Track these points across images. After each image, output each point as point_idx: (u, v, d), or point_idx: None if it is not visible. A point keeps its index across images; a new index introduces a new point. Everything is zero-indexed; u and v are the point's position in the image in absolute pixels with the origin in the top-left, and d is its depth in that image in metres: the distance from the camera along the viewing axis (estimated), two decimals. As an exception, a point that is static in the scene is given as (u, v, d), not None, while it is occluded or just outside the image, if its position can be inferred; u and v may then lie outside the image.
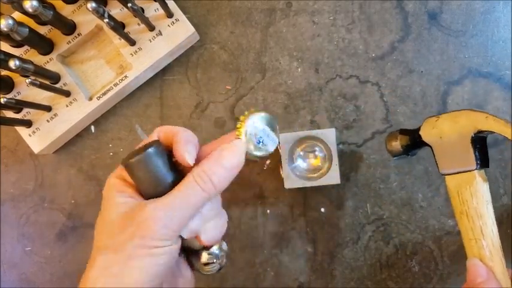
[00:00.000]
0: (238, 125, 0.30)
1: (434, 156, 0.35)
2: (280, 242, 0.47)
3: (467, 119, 0.33)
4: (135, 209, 0.26)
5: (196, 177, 0.27)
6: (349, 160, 0.46)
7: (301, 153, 0.44)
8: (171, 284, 0.29)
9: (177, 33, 0.45)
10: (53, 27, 0.45)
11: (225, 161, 0.28)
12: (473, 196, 0.33)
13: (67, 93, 0.45)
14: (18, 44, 0.45)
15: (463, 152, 0.33)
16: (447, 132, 0.34)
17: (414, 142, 0.37)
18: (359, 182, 0.46)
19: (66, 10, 0.45)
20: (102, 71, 0.47)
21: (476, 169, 0.33)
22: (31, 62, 0.40)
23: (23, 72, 0.39)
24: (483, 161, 0.33)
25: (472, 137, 0.33)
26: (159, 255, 0.26)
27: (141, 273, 0.25)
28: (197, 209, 0.27)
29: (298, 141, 0.43)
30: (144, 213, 0.26)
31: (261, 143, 0.31)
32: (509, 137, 0.31)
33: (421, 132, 0.36)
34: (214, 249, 0.31)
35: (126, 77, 0.45)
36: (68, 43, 0.45)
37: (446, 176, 0.34)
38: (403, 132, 0.38)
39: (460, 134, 0.33)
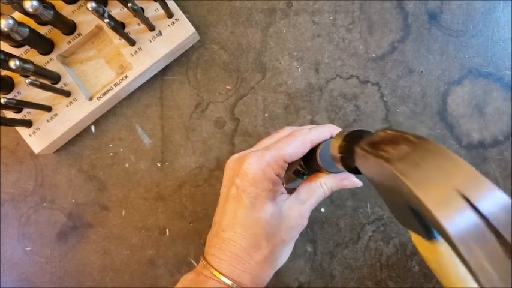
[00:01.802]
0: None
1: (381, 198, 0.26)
2: (280, 242, 0.47)
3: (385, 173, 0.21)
4: (292, 208, 0.34)
5: (324, 187, 0.36)
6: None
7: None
8: None
9: (177, 33, 0.45)
10: (53, 27, 0.45)
11: (342, 187, 0.37)
12: (441, 268, 0.23)
13: (67, 93, 0.45)
14: (18, 44, 0.45)
15: (406, 215, 0.22)
16: (379, 182, 0.23)
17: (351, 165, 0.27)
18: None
19: (66, 10, 0.45)
20: (102, 71, 0.47)
21: (434, 239, 0.22)
22: (31, 62, 0.40)
23: (23, 72, 0.39)
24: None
25: (411, 208, 0.21)
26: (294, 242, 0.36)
27: (289, 251, 0.36)
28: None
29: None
30: (301, 214, 0.34)
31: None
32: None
33: (356, 163, 0.26)
34: None
35: (126, 77, 0.45)
36: (68, 43, 0.45)
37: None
38: (348, 138, 0.27)
39: (395, 193, 0.21)
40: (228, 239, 0.34)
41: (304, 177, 0.42)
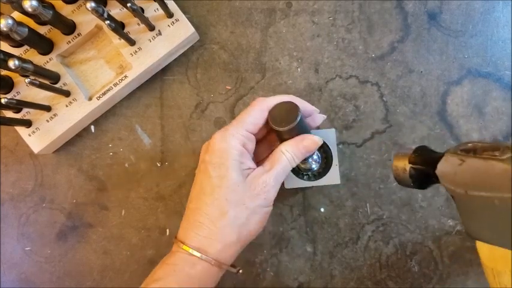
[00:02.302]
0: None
1: (456, 206, 0.26)
2: (279, 242, 0.47)
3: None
4: (256, 177, 0.35)
5: (286, 154, 0.36)
6: (349, 160, 0.46)
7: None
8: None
9: (177, 33, 0.45)
10: (52, 27, 0.45)
11: (306, 150, 0.37)
12: None
13: (67, 93, 0.45)
14: (17, 44, 0.45)
15: (500, 224, 0.22)
16: (476, 189, 0.23)
17: (428, 178, 0.27)
18: (359, 182, 0.46)
19: (65, 10, 0.45)
20: (102, 71, 0.47)
21: None
22: (31, 62, 0.40)
23: (23, 72, 0.39)
24: None
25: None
26: (268, 212, 0.37)
27: (257, 222, 0.36)
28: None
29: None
30: (264, 182, 0.35)
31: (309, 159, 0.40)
32: None
33: (437, 173, 0.26)
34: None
35: (126, 77, 0.45)
36: (67, 43, 0.45)
37: (476, 241, 0.25)
38: (416, 158, 0.27)
39: (496, 202, 0.21)
40: (194, 207, 0.35)
41: (305, 177, 0.42)
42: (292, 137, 0.36)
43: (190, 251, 0.34)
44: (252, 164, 0.36)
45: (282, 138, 0.37)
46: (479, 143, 0.24)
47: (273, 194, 0.36)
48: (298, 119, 0.35)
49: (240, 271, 0.38)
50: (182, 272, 0.34)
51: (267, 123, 0.36)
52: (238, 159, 0.35)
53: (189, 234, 0.35)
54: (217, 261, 0.34)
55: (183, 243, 0.34)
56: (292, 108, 0.35)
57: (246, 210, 0.35)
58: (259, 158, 0.40)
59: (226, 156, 0.35)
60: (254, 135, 0.37)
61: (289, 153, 0.36)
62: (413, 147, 0.29)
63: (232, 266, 0.37)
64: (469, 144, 0.25)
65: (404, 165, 0.28)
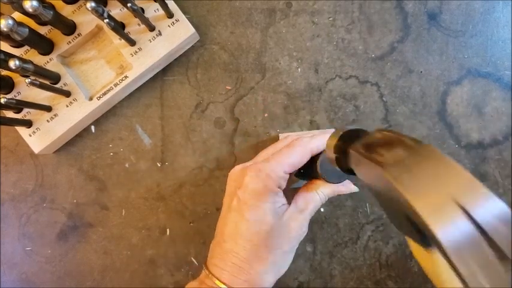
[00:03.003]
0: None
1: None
2: (280, 242, 0.47)
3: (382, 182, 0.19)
4: (292, 219, 0.35)
5: (321, 195, 0.36)
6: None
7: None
8: None
9: (177, 33, 0.45)
10: (53, 28, 0.45)
11: (339, 193, 0.38)
12: (437, 277, 0.23)
13: (67, 93, 0.45)
14: (18, 44, 0.45)
15: (402, 222, 0.21)
16: (374, 187, 0.22)
17: (345, 165, 0.25)
18: (358, 182, 0.46)
19: (66, 10, 0.45)
20: (102, 71, 0.47)
21: (430, 248, 0.21)
22: (31, 62, 0.40)
23: (23, 72, 0.39)
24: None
25: (406, 215, 0.20)
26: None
27: (289, 262, 0.36)
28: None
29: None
30: (301, 225, 0.35)
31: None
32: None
33: (351, 164, 0.24)
34: None
35: (126, 77, 0.45)
36: (68, 43, 0.45)
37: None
38: (339, 147, 0.25)
39: (390, 199, 0.20)
40: (230, 249, 0.35)
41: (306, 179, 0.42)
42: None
43: None
44: (284, 200, 0.36)
45: (318, 178, 0.36)
46: (385, 133, 0.22)
47: (305, 233, 0.36)
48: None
49: None
50: None
51: (311, 166, 0.36)
52: (274, 200, 0.34)
53: (229, 277, 0.34)
54: None
55: (225, 284, 0.34)
56: None
57: (283, 253, 0.35)
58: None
59: (262, 199, 0.34)
60: None
61: (324, 194, 0.36)
62: (343, 130, 0.26)
63: None
64: (377, 135, 0.23)
65: (331, 154, 0.26)
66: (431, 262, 0.22)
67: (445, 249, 0.16)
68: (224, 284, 0.34)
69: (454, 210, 0.16)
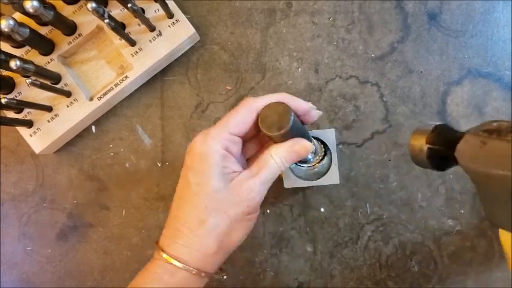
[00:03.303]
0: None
1: (478, 192, 0.24)
2: (279, 242, 0.47)
3: None
4: (240, 182, 0.33)
5: (276, 158, 0.34)
6: (349, 160, 0.46)
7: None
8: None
9: (178, 33, 0.45)
10: (53, 28, 0.45)
11: (297, 155, 0.35)
12: None
13: (68, 94, 0.45)
14: (19, 45, 0.45)
15: None
16: (497, 175, 0.21)
17: (447, 159, 0.26)
18: (359, 182, 0.46)
19: (66, 11, 0.45)
20: (103, 72, 0.47)
21: None
22: (32, 63, 0.40)
23: (24, 72, 0.39)
24: None
25: None
26: (253, 219, 0.35)
27: (240, 230, 0.34)
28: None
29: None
30: (249, 188, 0.33)
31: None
32: None
33: (456, 155, 0.24)
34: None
35: (126, 77, 0.46)
36: (68, 44, 0.45)
37: (499, 229, 0.24)
38: (434, 138, 0.26)
39: None
40: (174, 215, 0.34)
41: (304, 168, 0.42)
42: (285, 140, 0.34)
43: (170, 260, 0.32)
44: (237, 167, 0.34)
45: (273, 140, 0.35)
46: (505, 122, 0.22)
47: (258, 200, 0.33)
48: (291, 123, 0.32)
49: (224, 277, 0.36)
50: (161, 280, 0.33)
51: (256, 125, 0.34)
52: (220, 164, 0.33)
53: (169, 242, 0.33)
54: (197, 270, 0.33)
55: (163, 251, 0.33)
56: (284, 110, 0.32)
57: (228, 218, 0.33)
58: (249, 155, 0.38)
59: (206, 161, 0.32)
60: (241, 137, 0.34)
61: (278, 157, 0.34)
62: (433, 124, 0.27)
63: (220, 269, 0.36)
64: (494, 124, 0.23)
65: (421, 144, 0.26)
66: None
67: None
68: (162, 250, 0.33)
69: None
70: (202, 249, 0.33)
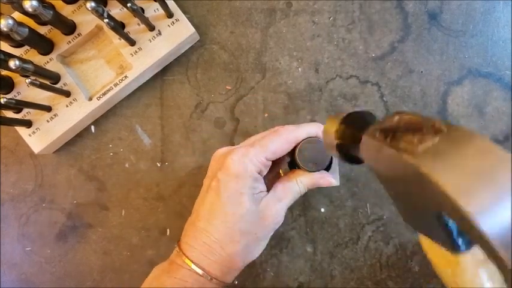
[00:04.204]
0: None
1: (387, 192, 0.22)
2: (279, 242, 0.47)
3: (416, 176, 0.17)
4: (269, 206, 0.35)
5: (300, 186, 0.36)
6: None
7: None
8: None
9: (177, 33, 0.45)
10: (53, 27, 0.45)
11: (318, 186, 0.37)
12: (460, 281, 0.20)
13: (67, 93, 0.45)
14: (18, 44, 0.45)
15: (426, 220, 0.19)
16: (394, 182, 0.20)
17: (358, 157, 0.23)
18: (359, 182, 0.46)
19: (66, 10, 0.45)
20: (102, 71, 0.47)
21: (458, 251, 0.19)
22: (31, 62, 0.40)
23: (23, 72, 0.39)
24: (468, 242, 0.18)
25: (436, 214, 0.18)
26: (271, 235, 0.37)
27: (261, 248, 0.36)
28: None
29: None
30: (277, 213, 0.35)
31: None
32: None
33: (362, 152, 0.22)
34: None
35: (126, 77, 0.45)
36: (68, 43, 0.45)
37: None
38: (344, 132, 0.23)
39: (413, 195, 0.18)
40: (203, 229, 0.35)
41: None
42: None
43: (201, 272, 0.34)
44: (263, 187, 0.36)
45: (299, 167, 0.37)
46: (406, 116, 0.19)
47: (281, 222, 0.36)
48: (327, 163, 0.34)
49: (236, 282, 0.38)
50: None
51: (291, 154, 0.36)
52: (253, 185, 0.34)
53: (199, 256, 0.34)
54: (223, 283, 0.35)
55: (193, 263, 0.34)
56: (323, 149, 0.34)
57: (256, 239, 0.35)
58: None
59: (242, 183, 0.34)
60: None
61: (303, 185, 0.36)
62: (342, 114, 0.24)
63: None
64: (395, 118, 0.20)
65: (331, 141, 0.24)
66: (454, 265, 0.19)
67: (498, 248, 0.14)
68: (193, 262, 0.34)
69: (506, 203, 0.14)
70: (230, 266, 0.35)
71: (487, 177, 0.15)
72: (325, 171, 0.37)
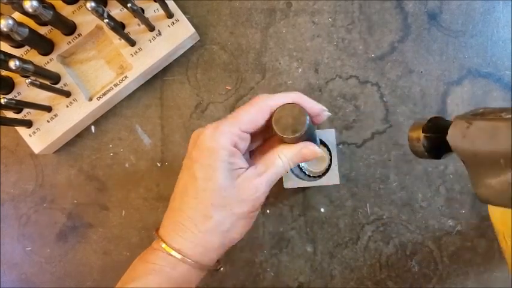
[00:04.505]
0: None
1: (468, 171, 0.26)
2: (279, 242, 0.47)
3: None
4: (247, 180, 0.33)
5: (283, 159, 0.34)
6: (349, 160, 0.46)
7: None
8: None
9: (177, 33, 0.45)
10: (53, 28, 0.45)
11: (304, 158, 0.35)
12: None
13: (67, 94, 0.45)
14: (18, 45, 0.45)
15: (507, 188, 0.22)
16: (482, 151, 0.24)
17: (442, 146, 0.28)
18: (359, 182, 0.46)
19: (66, 10, 0.45)
20: (102, 72, 0.47)
21: None
22: (31, 63, 0.40)
23: (23, 72, 0.39)
24: None
25: None
26: (255, 216, 0.35)
27: (242, 227, 0.34)
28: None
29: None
30: (255, 187, 0.33)
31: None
32: None
33: (448, 139, 0.26)
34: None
35: (126, 77, 0.45)
36: (68, 43, 0.45)
37: (488, 205, 0.26)
38: (429, 128, 0.29)
39: (502, 161, 0.22)
40: (177, 208, 0.34)
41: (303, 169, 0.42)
42: (295, 143, 0.34)
43: (172, 252, 0.33)
44: (243, 163, 0.34)
45: (283, 140, 0.35)
46: (489, 108, 0.25)
47: (262, 199, 0.34)
48: (306, 127, 0.32)
49: (221, 269, 0.37)
50: (162, 272, 0.33)
51: (268, 123, 0.34)
52: (227, 160, 0.32)
53: (171, 235, 0.33)
54: (198, 264, 0.33)
55: (165, 243, 0.33)
56: (300, 113, 0.32)
57: (232, 215, 0.33)
58: (252, 148, 0.38)
59: (214, 157, 0.32)
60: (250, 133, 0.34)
61: (286, 158, 0.34)
62: (428, 117, 0.30)
63: (217, 261, 0.36)
64: (480, 109, 0.26)
65: (418, 134, 0.29)
66: None
67: None
68: (164, 242, 0.33)
69: None
70: (206, 244, 0.33)
71: None
72: (308, 142, 0.35)
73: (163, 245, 0.33)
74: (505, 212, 0.24)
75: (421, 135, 0.29)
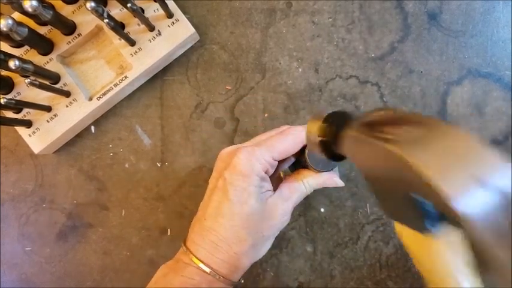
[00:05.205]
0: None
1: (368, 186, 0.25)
2: (279, 242, 0.47)
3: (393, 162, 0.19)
4: (275, 205, 0.35)
5: (307, 186, 0.37)
6: (349, 160, 0.46)
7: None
8: None
9: (177, 33, 0.45)
10: (52, 28, 0.45)
11: (324, 186, 0.37)
12: (432, 265, 0.21)
13: (67, 94, 0.45)
14: (18, 44, 0.45)
15: (399, 205, 0.20)
16: (372, 171, 0.22)
17: (334, 150, 0.25)
18: (359, 182, 0.46)
19: (66, 10, 0.45)
20: (102, 71, 0.47)
21: (430, 232, 0.19)
22: (31, 62, 0.40)
23: (23, 72, 0.39)
24: (437, 218, 0.19)
25: (410, 196, 0.19)
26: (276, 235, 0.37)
27: (266, 248, 0.37)
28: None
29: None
30: (283, 212, 0.35)
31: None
32: None
33: (343, 147, 0.24)
34: None
35: (126, 77, 0.45)
36: (67, 43, 0.45)
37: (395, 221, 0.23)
38: (326, 129, 0.25)
39: (392, 181, 0.20)
40: (210, 227, 0.35)
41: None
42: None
43: (209, 271, 0.34)
44: (269, 186, 0.36)
45: (306, 167, 0.37)
46: (390, 113, 0.22)
47: (287, 222, 0.36)
48: (338, 164, 0.34)
49: (242, 281, 0.39)
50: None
51: (297, 155, 0.36)
52: (259, 185, 0.34)
53: (207, 255, 0.34)
54: (230, 282, 0.35)
55: (202, 262, 0.34)
56: None
57: (262, 238, 0.35)
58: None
59: (249, 181, 0.34)
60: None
61: (309, 185, 0.36)
62: (324, 113, 0.26)
63: None
64: (379, 113, 0.22)
65: (314, 139, 0.26)
66: (426, 248, 0.21)
67: (470, 222, 0.16)
68: (201, 261, 0.34)
69: (476, 183, 0.16)
70: (238, 265, 0.35)
71: (460, 158, 0.17)
72: (333, 172, 0.37)
73: (201, 265, 0.34)
74: (413, 233, 0.21)
75: (317, 138, 0.26)
